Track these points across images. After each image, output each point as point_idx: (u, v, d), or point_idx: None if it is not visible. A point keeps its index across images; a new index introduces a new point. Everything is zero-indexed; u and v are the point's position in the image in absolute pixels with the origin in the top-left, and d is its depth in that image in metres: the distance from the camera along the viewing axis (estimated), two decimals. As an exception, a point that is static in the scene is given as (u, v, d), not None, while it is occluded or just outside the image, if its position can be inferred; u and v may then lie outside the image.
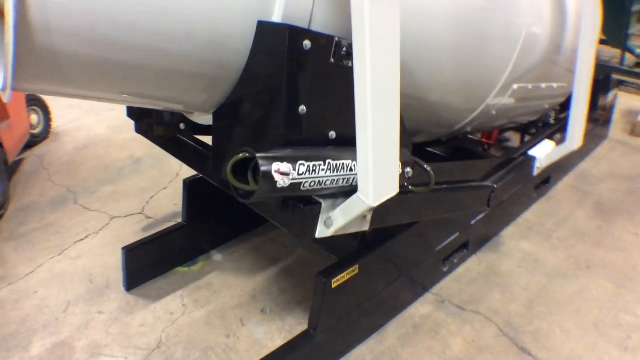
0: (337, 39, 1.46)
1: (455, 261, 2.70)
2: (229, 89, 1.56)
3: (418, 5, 1.71)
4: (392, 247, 2.20)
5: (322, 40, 1.43)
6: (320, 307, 1.94)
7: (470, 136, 3.68)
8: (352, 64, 1.48)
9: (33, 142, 4.76)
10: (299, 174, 1.34)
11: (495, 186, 2.48)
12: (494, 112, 2.49)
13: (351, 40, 1.49)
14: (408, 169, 1.65)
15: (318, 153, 1.41)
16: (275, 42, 1.36)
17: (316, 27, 1.49)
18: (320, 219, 1.57)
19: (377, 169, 1.39)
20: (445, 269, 2.63)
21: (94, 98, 1.56)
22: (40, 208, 3.81)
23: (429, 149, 3.77)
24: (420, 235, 2.38)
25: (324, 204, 1.55)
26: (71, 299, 2.79)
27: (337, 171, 1.43)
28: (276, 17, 1.43)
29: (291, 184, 1.33)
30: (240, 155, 1.31)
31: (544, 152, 2.74)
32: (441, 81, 2.00)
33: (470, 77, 2.11)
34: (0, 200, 3.67)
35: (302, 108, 1.44)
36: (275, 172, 1.29)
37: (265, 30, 1.40)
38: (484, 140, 3.89)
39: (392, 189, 1.46)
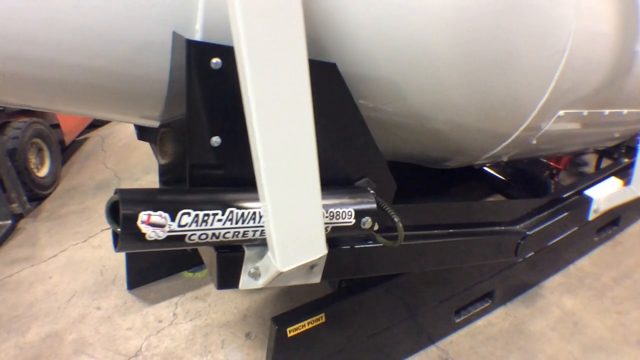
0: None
1: (474, 312, 2.26)
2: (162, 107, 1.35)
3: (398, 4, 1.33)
4: (376, 295, 1.87)
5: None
6: (274, 358, 1.68)
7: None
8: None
9: (100, 121, 4.99)
10: (179, 226, 1.09)
11: (528, 232, 2.01)
12: (534, 142, 2.00)
13: None
14: (365, 219, 1.32)
15: (218, 198, 1.15)
16: (181, 58, 1.12)
17: None
18: (244, 269, 1.32)
19: (282, 229, 1.10)
20: (457, 321, 2.21)
21: (40, 109, 1.45)
22: (84, 191, 3.96)
23: (486, 169, 3.29)
24: (421, 282, 2.00)
25: (247, 252, 1.28)
26: (78, 290, 2.82)
27: (245, 222, 1.15)
28: (197, 28, 1.18)
29: (169, 237, 1.09)
30: (114, 196, 1.09)
31: (604, 193, 2.17)
32: (446, 105, 1.60)
33: (490, 101, 1.66)
34: (49, 180, 3.87)
35: (216, 139, 1.18)
36: (143, 222, 1.05)
37: (176, 44, 1.16)
38: (552, 164, 3.29)
39: (311, 251, 1.16)
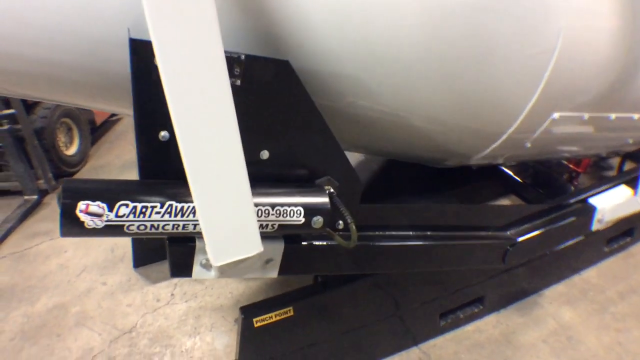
0: (214, 51, 1.18)
1: (462, 316, 2.21)
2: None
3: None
4: (353, 291, 1.86)
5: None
6: (241, 346, 1.72)
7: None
8: (241, 83, 1.22)
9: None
10: (117, 216, 1.13)
11: (518, 239, 1.93)
12: (528, 145, 1.91)
13: (244, 52, 1.22)
14: (317, 218, 1.31)
15: (159, 191, 1.17)
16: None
17: None
18: (195, 259, 1.35)
19: (211, 225, 1.11)
20: (442, 324, 2.17)
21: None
22: (110, 170, 4.14)
23: (503, 169, 3.17)
24: (405, 280, 1.96)
25: (199, 244, 1.31)
26: (88, 265, 2.97)
27: (185, 215, 1.17)
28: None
29: (107, 226, 1.13)
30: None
31: (610, 203, 2.05)
32: (420, 103, 1.55)
33: (471, 101, 1.59)
34: (77, 158, 4.07)
35: (164, 134, 1.21)
36: (82, 211, 1.10)
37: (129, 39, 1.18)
38: (572, 166, 3.12)
39: (245, 248, 1.17)
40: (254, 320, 1.68)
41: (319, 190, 1.34)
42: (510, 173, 3.22)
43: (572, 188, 2.96)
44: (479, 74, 1.52)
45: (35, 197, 3.56)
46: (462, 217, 1.81)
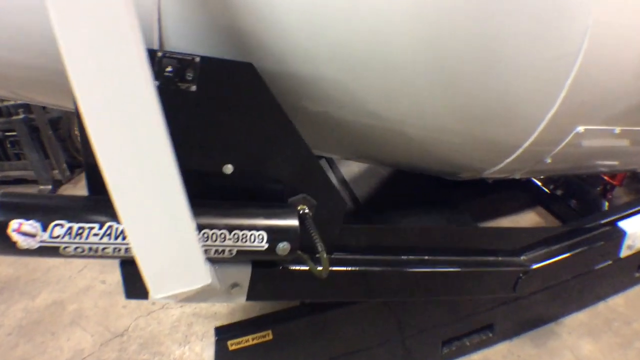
0: (160, 53, 1.02)
1: (468, 344, 1.99)
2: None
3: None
4: (341, 316, 1.67)
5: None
6: (214, 368, 1.58)
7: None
8: (196, 88, 1.06)
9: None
10: (51, 237, 0.99)
11: (532, 266, 1.69)
12: (548, 160, 1.66)
13: (206, 54, 1.05)
14: (283, 245, 1.14)
15: (99, 210, 1.03)
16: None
17: (172, 34, 1.08)
18: (150, 282, 1.21)
19: (145, 255, 0.95)
20: (445, 351, 1.96)
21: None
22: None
23: (536, 181, 2.89)
24: (399, 305, 1.76)
25: (152, 266, 1.17)
26: (91, 261, 2.92)
27: (127, 238, 1.03)
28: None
29: (41, 247, 1.00)
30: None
31: (643, 228, 1.78)
32: (417, 112, 1.34)
33: (477, 111, 1.38)
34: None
35: (109, 144, 1.06)
36: (15, 230, 0.97)
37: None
38: (606, 178, 2.81)
39: (189, 280, 1.00)
40: (229, 342, 1.53)
41: (288, 211, 1.17)
42: (538, 183, 2.94)
43: (606, 203, 2.67)
44: (487, 80, 1.30)
45: (49, 187, 3.54)
46: (465, 240, 1.60)
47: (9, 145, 3.58)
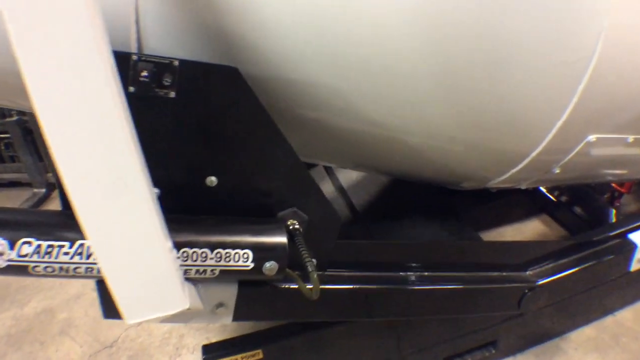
0: (135, 56, 0.92)
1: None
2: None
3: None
4: (338, 333, 1.57)
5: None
6: (202, 389, 1.48)
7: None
8: (176, 95, 0.97)
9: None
10: (19, 255, 0.91)
11: (539, 282, 1.59)
12: (556, 170, 1.56)
13: (190, 57, 0.96)
14: (270, 264, 1.04)
15: (70, 228, 0.94)
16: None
17: (152, 36, 0.99)
18: (127, 303, 1.12)
19: (116, 277, 0.86)
20: (445, 368, 1.86)
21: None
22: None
23: (540, 187, 2.79)
24: (397, 325, 1.66)
25: (130, 286, 1.08)
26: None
27: (96, 259, 0.94)
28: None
29: (10, 266, 0.91)
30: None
31: (656, 241, 1.67)
32: (417, 119, 1.25)
33: (482, 118, 1.28)
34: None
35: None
36: (-21, 248, 0.89)
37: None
38: (614, 185, 2.70)
39: (163, 304, 0.91)
40: (217, 363, 1.44)
41: (276, 227, 1.07)
42: (543, 189, 2.84)
43: (614, 211, 2.56)
44: (493, 86, 1.20)
45: (43, 190, 3.46)
46: (467, 255, 1.50)
47: (3, 148, 3.50)
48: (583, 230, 2.47)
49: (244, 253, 1.02)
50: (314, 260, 1.22)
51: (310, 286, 1.07)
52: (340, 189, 2.16)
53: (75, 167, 0.75)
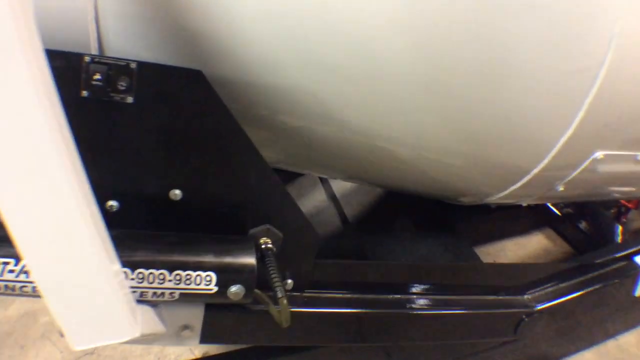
0: (87, 58, 0.82)
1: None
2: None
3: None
4: (322, 357, 1.46)
5: (57, 62, 0.81)
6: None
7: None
8: (134, 100, 0.86)
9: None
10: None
11: (537, 307, 1.47)
12: (560, 188, 1.44)
13: (141, 60, 0.86)
14: (235, 288, 0.94)
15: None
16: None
17: (115, 37, 0.89)
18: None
19: (58, 298, 0.76)
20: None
21: None
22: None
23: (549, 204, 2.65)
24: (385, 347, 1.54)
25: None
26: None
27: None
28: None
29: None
30: None
31: (665, 266, 1.55)
32: (405, 131, 1.14)
33: (477, 132, 1.17)
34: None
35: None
36: None
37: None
38: (622, 200, 2.57)
39: (110, 332, 0.81)
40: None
41: (244, 247, 0.97)
42: (553, 208, 2.70)
43: (620, 227, 2.43)
44: (492, 96, 1.09)
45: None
46: (461, 278, 1.38)
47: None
48: (588, 247, 2.36)
49: (207, 275, 0.92)
50: (289, 281, 1.13)
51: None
52: (333, 198, 2.05)
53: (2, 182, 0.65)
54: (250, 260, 0.95)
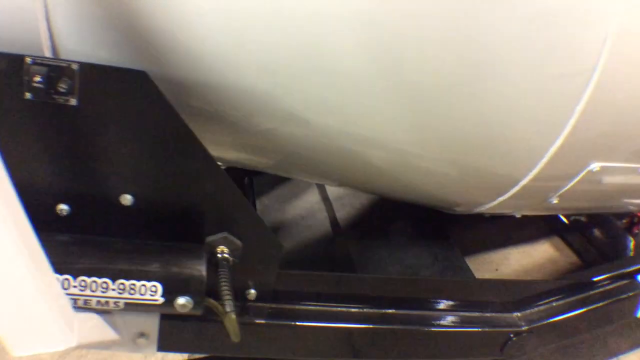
0: (29, 59, 0.78)
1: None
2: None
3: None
4: None
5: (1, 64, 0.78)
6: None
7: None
8: (78, 102, 0.83)
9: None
10: None
11: (524, 327, 1.37)
12: (554, 201, 1.34)
13: (83, 61, 0.82)
14: (183, 300, 0.89)
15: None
16: None
17: (68, 36, 0.85)
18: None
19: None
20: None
21: None
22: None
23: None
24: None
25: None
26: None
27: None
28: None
29: None
30: None
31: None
32: (363, 126, 1.06)
33: (454, 139, 1.08)
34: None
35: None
36: None
37: None
38: (636, 211, 2.41)
39: (46, 340, 0.77)
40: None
41: (194, 257, 0.92)
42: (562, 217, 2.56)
43: (632, 240, 2.28)
44: (469, 101, 1.01)
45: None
46: (441, 292, 1.31)
47: None
48: (596, 259, 2.23)
49: (152, 286, 0.87)
50: (252, 291, 1.08)
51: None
52: (326, 200, 1.99)
53: None
54: (199, 270, 0.90)
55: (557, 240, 2.56)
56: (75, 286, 0.87)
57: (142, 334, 1.04)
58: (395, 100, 0.98)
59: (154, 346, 1.06)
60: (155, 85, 0.82)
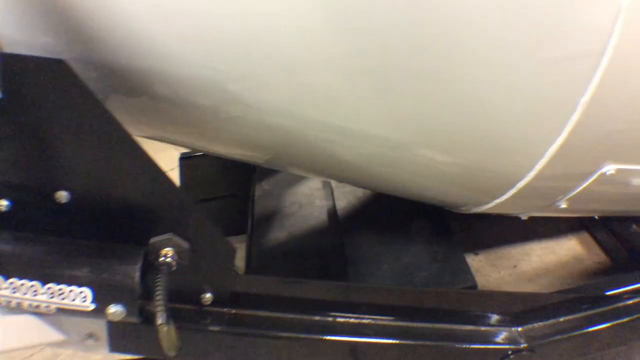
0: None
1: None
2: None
3: None
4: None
5: None
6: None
7: None
8: (4, 95, 0.76)
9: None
10: None
11: (522, 344, 1.22)
12: (562, 205, 1.17)
13: (6, 52, 0.75)
14: (115, 309, 0.80)
15: None
16: None
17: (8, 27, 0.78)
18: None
19: None
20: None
21: None
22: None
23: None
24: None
25: None
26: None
27: None
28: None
29: None
30: None
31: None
32: (347, 131, 0.94)
33: (437, 134, 0.94)
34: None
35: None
36: None
37: None
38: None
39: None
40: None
41: (127, 261, 0.84)
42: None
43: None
44: (451, 90, 0.87)
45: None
46: (432, 303, 1.18)
47: None
48: (627, 262, 2.01)
49: (81, 292, 0.81)
50: (207, 295, 1.00)
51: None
52: (327, 187, 1.88)
53: None
54: (132, 277, 0.82)
55: (585, 236, 2.33)
56: (7, 288, 0.81)
57: (90, 335, 0.99)
58: (365, 87, 0.85)
59: (106, 348, 1.01)
60: (75, 73, 0.73)
